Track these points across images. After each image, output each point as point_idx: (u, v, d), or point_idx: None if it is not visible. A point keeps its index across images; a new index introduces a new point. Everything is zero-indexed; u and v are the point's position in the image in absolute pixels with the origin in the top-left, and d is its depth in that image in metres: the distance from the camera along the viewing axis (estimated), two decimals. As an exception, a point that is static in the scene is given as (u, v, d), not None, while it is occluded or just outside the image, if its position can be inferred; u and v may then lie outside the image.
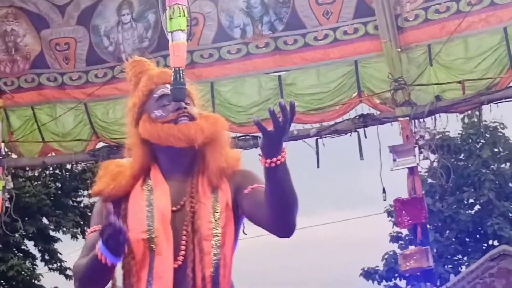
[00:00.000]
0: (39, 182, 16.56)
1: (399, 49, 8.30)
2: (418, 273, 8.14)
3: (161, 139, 2.43)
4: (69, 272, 15.96)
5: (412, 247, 8.18)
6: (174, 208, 2.40)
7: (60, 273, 16.48)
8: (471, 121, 19.27)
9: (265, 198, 2.24)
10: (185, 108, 2.48)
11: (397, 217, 8.15)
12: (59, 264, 16.44)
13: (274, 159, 2.14)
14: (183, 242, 2.36)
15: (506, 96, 8.10)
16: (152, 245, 2.34)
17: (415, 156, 8.05)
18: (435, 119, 8.37)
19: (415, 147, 8.09)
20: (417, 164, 8.14)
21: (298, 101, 8.66)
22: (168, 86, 2.52)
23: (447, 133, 18.53)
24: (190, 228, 2.36)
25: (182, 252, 2.35)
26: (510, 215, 19.77)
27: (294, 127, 8.73)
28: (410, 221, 7.95)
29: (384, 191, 8.43)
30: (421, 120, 8.25)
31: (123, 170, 2.47)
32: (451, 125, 8.71)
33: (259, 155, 2.18)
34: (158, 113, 2.47)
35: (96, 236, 2.36)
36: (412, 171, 8.10)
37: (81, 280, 2.37)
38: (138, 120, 2.51)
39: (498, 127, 20.43)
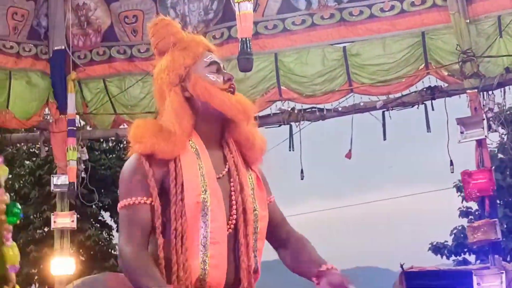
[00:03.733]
0: (113, 155, 16.93)
1: (468, 21, 8.17)
2: (487, 247, 8.07)
3: (224, 105, 2.35)
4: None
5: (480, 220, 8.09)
6: (217, 176, 2.36)
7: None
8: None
9: (293, 257, 2.49)
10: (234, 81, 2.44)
11: (465, 189, 8.07)
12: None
13: None
14: (234, 211, 2.33)
15: None
16: (205, 210, 2.27)
17: (483, 128, 7.91)
18: (505, 92, 8.22)
19: (484, 119, 7.97)
20: (485, 136, 8.01)
21: (364, 72, 8.60)
22: (212, 54, 2.48)
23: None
24: (239, 198, 2.34)
25: (233, 221, 2.33)
26: None
27: (360, 99, 8.70)
28: (478, 194, 7.87)
29: (451, 164, 8.33)
30: (490, 92, 8.12)
31: (171, 130, 2.33)
32: (521, 98, 8.52)
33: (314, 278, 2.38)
34: (212, 77, 2.39)
35: (146, 211, 2.26)
36: (480, 143, 7.99)
37: (132, 279, 2.21)
38: (182, 80, 2.41)
39: None
